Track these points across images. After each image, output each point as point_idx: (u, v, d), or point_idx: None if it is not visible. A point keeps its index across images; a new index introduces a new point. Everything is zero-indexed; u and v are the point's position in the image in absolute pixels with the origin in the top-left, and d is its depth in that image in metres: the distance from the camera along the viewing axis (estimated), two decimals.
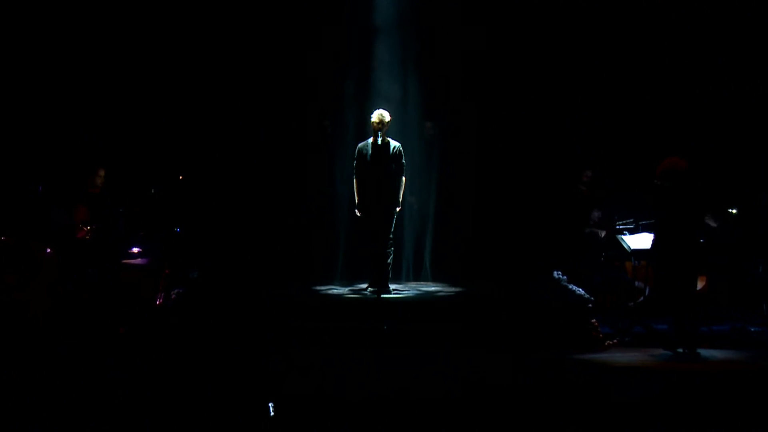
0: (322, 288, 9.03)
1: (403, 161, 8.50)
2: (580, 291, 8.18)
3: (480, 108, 10.16)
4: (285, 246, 9.99)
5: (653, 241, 7.63)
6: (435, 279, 9.99)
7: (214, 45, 9.99)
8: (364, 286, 8.77)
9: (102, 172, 8.81)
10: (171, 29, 9.93)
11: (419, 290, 9.04)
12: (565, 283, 8.63)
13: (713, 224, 8.51)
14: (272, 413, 5.17)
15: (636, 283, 8.56)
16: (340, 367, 6.81)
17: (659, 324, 8.13)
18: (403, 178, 8.52)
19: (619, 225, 8.90)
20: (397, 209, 8.58)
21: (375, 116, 8.38)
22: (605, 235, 9.09)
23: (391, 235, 8.55)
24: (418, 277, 10.13)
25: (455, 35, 10.04)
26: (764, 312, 8.76)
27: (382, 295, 8.35)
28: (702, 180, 7.60)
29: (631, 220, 8.75)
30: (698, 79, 10.09)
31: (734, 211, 9.17)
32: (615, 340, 7.76)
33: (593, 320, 7.74)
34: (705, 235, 7.77)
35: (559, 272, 8.94)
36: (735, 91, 9.99)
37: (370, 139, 8.46)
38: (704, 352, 7.33)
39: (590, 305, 7.83)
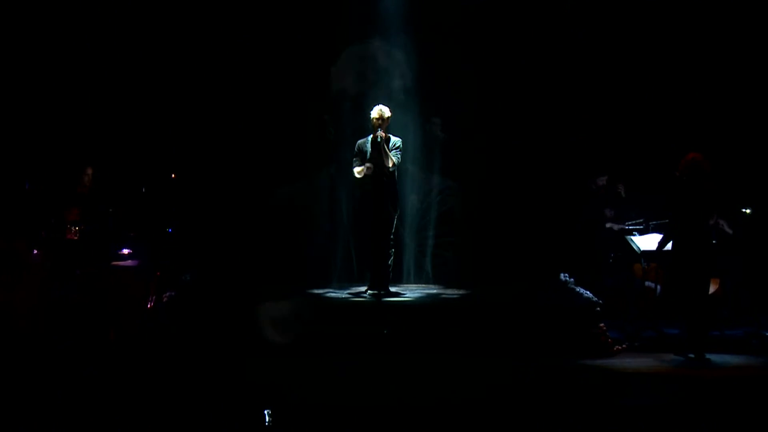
0: (320, 291, 8.87)
1: (399, 155, 8.25)
2: (588, 294, 8.07)
3: (485, 106, 9.97)
4: (281, 247, 9.82)
5: (663, 239, 7.59)
6: (437, 281, 9.87)
7: (208, 41, 9.85)
8: (364, 288, 8.60)
9: (90, 171, 8.70)
10: (163, 25, 9.81)
11: (421, 293, 8.87)
12: (573, 286, 8.48)
13: (728, 230, 8.38)
14: (268, 421, 5.01)
15: (646, 282, 8.45)
16: (338, 373, 6.75)
17: (670, 328, 8.07)
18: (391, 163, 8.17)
19: (629, 225, 8.76)
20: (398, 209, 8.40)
21: (375, 112, 8.23)
22: (616, 235, 8.97)
23: (391, 236, 8.37)
24: (419, 280, 9.95)
25: (462, 29, 9.86)
26: None
27: (383, 298, 8.17)
28: (719, 181, 7.49)
29: (641, 220, 8.64)
30: (709, 80, 10.03)
31: (748, 211, 9.01)
32: (624, 345, 7.70)
33: (601, 324, 7.65)
34: (719, 240, 7.67)
35: (566, 274, 8.77)
36: (746, 90, 9.91)
37: (370, 136, 8.27)
38: (716, 358, 7.30)
39: (598, 309, 7.72)
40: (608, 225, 9.29)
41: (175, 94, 9.88)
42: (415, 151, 9.75)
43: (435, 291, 9.11)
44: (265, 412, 5.21)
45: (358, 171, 8.30)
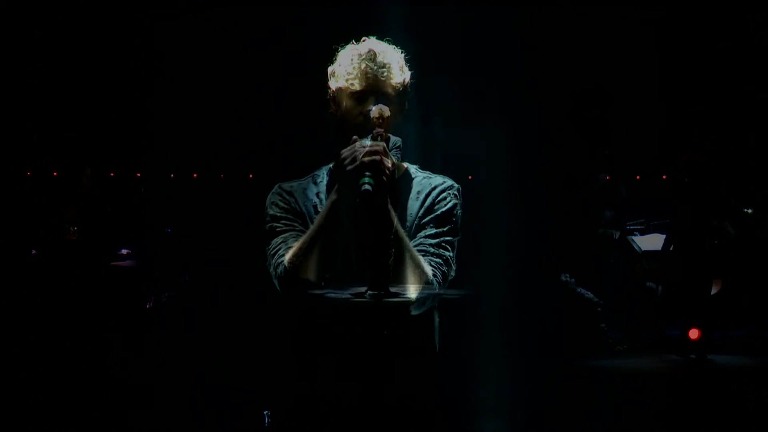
0: (318, 291, 8.79)
1: (399, 154, 8.18)
2: (589, 294, 7.99)
3: (485, 103, 9.94)
4: None
5: (666, 242, 7.55)
6: (437, 281, 9.73)
7: (206, 40, 9.79)
8: (363, 289, 8.53)
9: (89, 171, 8.64)
10: (163, 24, 9.74)
11: (422, 293, 8.79)
12: (574, 286, 8.42)
13: (730, 230, 8.34)
14: (267, 421, 4.98)
15: (648, 283, 8.41)
16: (338, 375, 6.57)
17: (672, 329, 7.98)
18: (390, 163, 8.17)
19: (630, 225, 8.72)
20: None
21: (375, 111, 8.05)
22: (618, 236, 8.92)
23: (391, 236, 8.30)
24: (419, 279, 9.87)
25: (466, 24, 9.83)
26: None
27: (383, 299, 8.11)
28: (720, 180, 7.47)
29: (642, 220, 8.60)
30: (709, 80, 9.99)
31: (750, 210, 8.97)
32: (625, 346, 7.68)
33: (603, 325, 7.64)
34: (722, 241, 7.65)
35: (567, 275, 8.72)
36: (747, 90, 9.87)
37: (370, 135, 8.21)
38: (718, 359, 7.27)
39: (599, 309, 7.70)
40: (600, 231, 9.24)
41: (175, 94, 9.85)
42: (415, 150, 9.68)
43: (436, 291, 9.05)
44: (265, 412, 5.17)
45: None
